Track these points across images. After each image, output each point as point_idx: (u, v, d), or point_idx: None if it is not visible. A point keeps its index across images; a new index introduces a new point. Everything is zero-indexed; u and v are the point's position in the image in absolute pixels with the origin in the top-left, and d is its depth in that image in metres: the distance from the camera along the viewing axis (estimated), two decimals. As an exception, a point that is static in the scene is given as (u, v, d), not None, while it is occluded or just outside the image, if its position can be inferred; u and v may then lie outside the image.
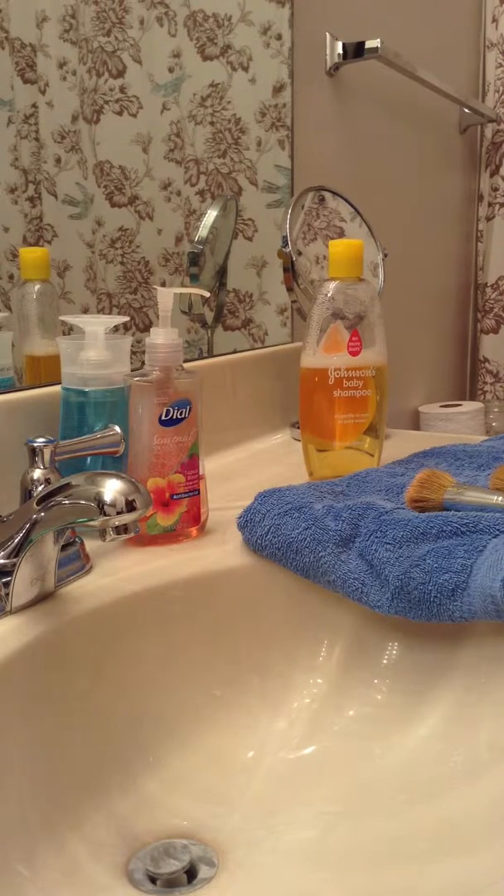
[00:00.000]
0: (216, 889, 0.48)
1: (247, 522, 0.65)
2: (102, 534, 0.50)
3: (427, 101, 1.51)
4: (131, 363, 0.71)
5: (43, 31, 0.76)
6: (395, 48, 1.25)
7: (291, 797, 0.55)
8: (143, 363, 0.67)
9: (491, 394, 1.89)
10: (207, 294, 0.97)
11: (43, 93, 0.77)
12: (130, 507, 0.49)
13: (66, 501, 0.50)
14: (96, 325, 0.68)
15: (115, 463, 0.66)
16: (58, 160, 0.79)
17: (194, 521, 0.68)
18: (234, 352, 1.03)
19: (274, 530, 0.64)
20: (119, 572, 0.61)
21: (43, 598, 0.56)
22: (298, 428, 0.88)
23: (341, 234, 1.06)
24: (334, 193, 1.06)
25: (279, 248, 0.98)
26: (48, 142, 0.77)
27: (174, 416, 0.65)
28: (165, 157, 0.91)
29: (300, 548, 0.63)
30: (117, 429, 0.64)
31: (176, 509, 0.66)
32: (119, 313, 0.86)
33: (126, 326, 0.86)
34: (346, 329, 0.81)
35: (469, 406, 1.65)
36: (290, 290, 1.00)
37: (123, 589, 0.59)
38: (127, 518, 0.49)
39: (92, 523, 0.49)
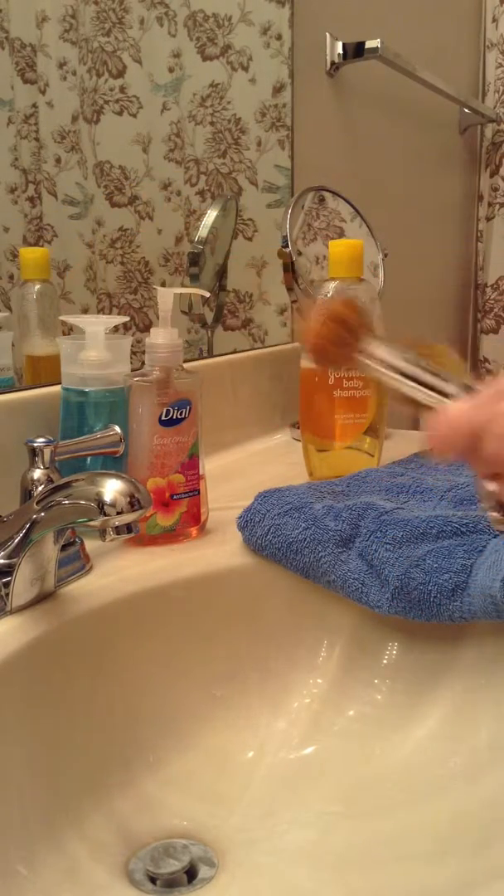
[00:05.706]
0: (216, 889, 0.48)
1: (247, 522, 0.65)
2: (102, 534, 0.50)
3: (427, 101, 1.51)
4: (131, 363, 0.71)
5: (43, 31, 0.76)
6: (395, 48, 1.25)
7: (291, 797, 0.55)
8: (143, 363, 0.66)
9: (491, 394, 1.89)
10: (207, 294, 0.97)
11: (43, 93, 0.77)
12: (130, 507, 0.49)
13: (66, 501, 0.50)
14: (96, 325, 0.68)
15: (115, 463, 0.66)
16: (58, 160, 0.79)
17: (194, 521, 0.68)
18: (234, 352, 1.03)
19: (274, 530, 0.64)
20: (119, 572, 0.61)
21: (43, 598, 0.56)
22: (298, 428, 0.88)
23: (341, 234, 1.06)
24: (334, 193, 1.06)
25: (279, 248, 0.98)
26: (48, 142, 0.77)
27: (174, 416, 0.65)
28: (165, 157, 0.91)
29: (300, 548, 0.63)
30: (117, 429, 0.64)
31: (176, 509, 0.66)
32: (119, 313, 0.86)
33: (126, 326, 0.86)
34: (346, 329, 0.81)
35: (469, 406, 1.65)
36: (290, 289, 1.00)
37: (123, 589, 0.58)
38: (127, 518, 0.49)
39: (92, 523, 0.49)
